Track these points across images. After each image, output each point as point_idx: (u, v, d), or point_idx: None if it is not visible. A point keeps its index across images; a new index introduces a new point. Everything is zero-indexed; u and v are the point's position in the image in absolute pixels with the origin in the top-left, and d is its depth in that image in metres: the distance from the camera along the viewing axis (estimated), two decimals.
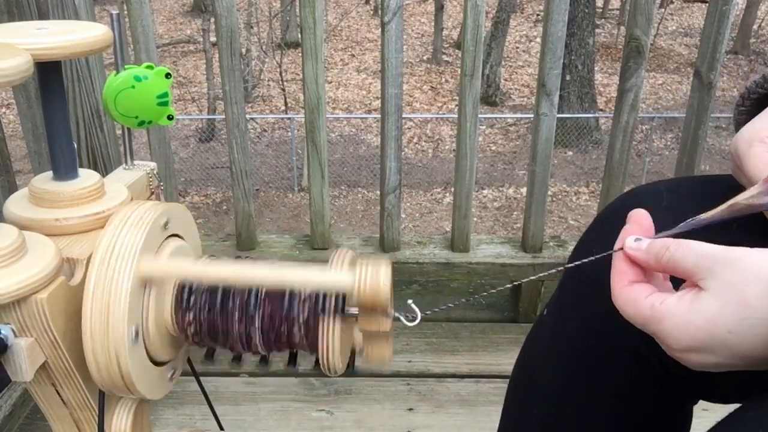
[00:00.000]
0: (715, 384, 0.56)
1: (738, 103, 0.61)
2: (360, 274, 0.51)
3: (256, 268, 0.53)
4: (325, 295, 0.53)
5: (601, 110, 9.44)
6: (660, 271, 0.50)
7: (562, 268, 0.62)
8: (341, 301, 0.53)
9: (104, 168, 1.36)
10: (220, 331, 0.55)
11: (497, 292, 1.67)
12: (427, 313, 0.55)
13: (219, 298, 0.54)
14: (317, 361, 0.55)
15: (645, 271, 0.51)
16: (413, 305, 0.55)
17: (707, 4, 1.36)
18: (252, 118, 9.21)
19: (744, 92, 0.60)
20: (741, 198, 0.50)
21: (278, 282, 0.53)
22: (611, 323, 0.63)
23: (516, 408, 0.75)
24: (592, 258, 0.56)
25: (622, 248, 0.51)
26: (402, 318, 0.54)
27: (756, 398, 0.45)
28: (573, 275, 0.69)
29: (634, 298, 0.49)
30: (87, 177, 0.59)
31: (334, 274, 0.52)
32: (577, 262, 0.59)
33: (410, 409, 1.29)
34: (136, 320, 0.52)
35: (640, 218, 0.52)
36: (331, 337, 0.53)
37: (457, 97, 1.71)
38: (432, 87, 10.72)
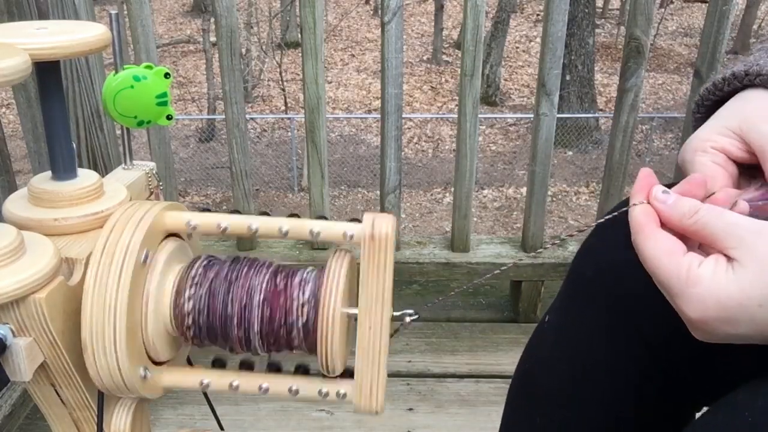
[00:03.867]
0: (718, 391, 0.56)
1: (693, 110, 0.61)
2: (367, 222, 0.52)
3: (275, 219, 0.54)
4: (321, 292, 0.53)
5: (601, 110, 9.43)
6: (680, 232, 0.48)
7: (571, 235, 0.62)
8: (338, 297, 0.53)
9: (104, 168, 1.36)
10: (218, 332, 0.54)
11: (497, 287, 1.67)
12: (426, 306, 0.55)
13: (218, 300, 0.54)
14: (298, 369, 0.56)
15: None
16: (411, 310, 0.55)
17: (707, 4, 1.36)
18: (252, 118, 9.21)
19: (698, 99, 0.60)
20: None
21: (294, 228, 0.54)
22: (614, 328, 0.63)
23: (517, 415, 0.75)
24: (609, 216, 0.54)
25: (647, 202, 0.49)
26: (401, 314, 0.54)
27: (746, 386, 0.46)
28: (575, 282, 0.69)
29: (671, 249, 0.46)
30: (86, 177, 0.59)
31: (344, 225, 0.53)
32: (599, 220, 0.58)
33: (410, 409, 1.29)
34: (134, 320, 0.52)
35: (646, 178, 0.50)
36: (331, 338, 0.53)
37: (457, 97, 1.71)
38: (432, 87, 10.72)
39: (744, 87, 0.55)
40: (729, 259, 0.44)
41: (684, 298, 0.45)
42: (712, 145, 0.53)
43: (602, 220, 0.56)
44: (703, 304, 0.44)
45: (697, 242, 0.48)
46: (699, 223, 0.46)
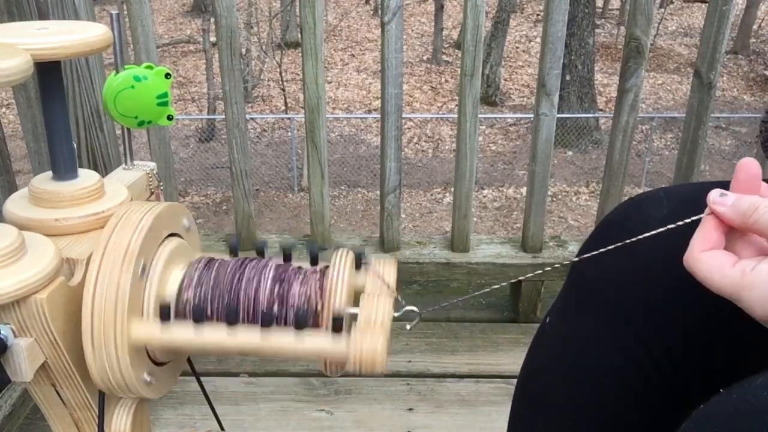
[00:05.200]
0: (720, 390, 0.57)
1: (764, 119, 0.61)
2: (355, 345, 0.50)
3: (249, 335, 0.52)
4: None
5: (601, 110, 9.43)
6: (743, 230, 0.49)
7: (570, 261, 0.62)
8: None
9: (104, 168, 1.36)
10: None
11: (498, 289, 1.67)
12: (429, 310, 0.55)
13: (220, 303, 0.54)
14: None
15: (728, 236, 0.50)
16: (414, 308, 0.55)
17: (707, 4, 1.36)
18: (252, 118, 9.21)
19: (765, 116, 0.60)
20: None
21: (271, 352, 0.53)
22: (615, 330, 0.63)
23: (522, 417, 0.75)
24: (617, 245, 0.55)
25: (709, 213, 0.50)
26: (401, 313, 0.54)
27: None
28: (575, 284, 0.69)
29: (720, 263, 0.48)
30: (87, 177, 0.59)
31: (330, 343, 0.52)
32: (592, 252, 0.57)
33: (410, 409, 1.29)
34: (135, 321, 0.52)
35: (750, 166, 0.51)
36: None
37: (457, 97, 1.71)
38: (432, 87, 10.72)
39: None
40: None
41: (743, 302, 0.47)
42: None
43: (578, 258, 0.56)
44: (761, 305, 0.46)
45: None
46: (759, 222, 0.47)
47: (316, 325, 0.53)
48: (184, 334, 0.52)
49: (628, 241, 0.56)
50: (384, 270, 0.50)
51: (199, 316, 0.53)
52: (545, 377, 0.70)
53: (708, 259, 0.49)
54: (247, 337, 0.52)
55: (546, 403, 0.70)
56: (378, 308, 0.52)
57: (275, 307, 0.54)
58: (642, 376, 0.62)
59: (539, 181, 1.46)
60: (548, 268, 0.63)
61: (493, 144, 9.22)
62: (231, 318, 0.52)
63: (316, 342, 0.52)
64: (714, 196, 0.50)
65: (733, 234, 0.51)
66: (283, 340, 0.52)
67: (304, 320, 0.53)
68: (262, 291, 0.54)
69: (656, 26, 11.88)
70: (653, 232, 0.55)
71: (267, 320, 0.53)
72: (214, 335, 0.52)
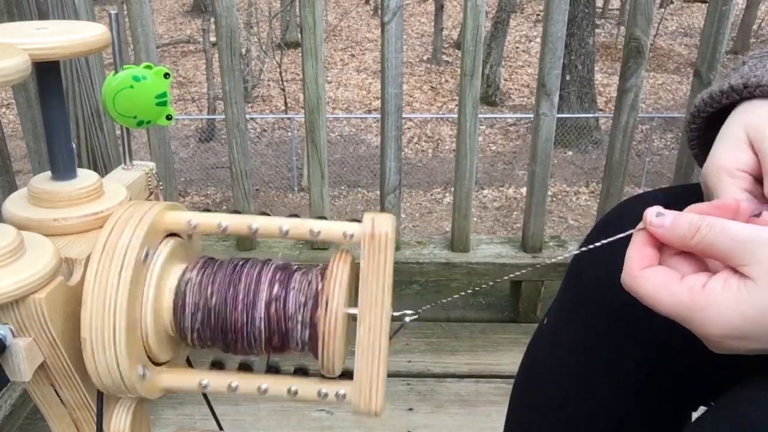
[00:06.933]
0: (717, 391, 0.56)
1: (689, 120, 0.60)
2: (366, 222, 0.52)
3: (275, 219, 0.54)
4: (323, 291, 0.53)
5: (601, 110, 9.44)
6: (686, 250, 0.46)
7: (563, 257, 0.62)
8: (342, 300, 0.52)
9: (104, 168, 1.36)
10: (219, 335, 0.54)
11: (496, 288, 1.67)
12: (426, 307, 0.55)
13: (219, 303, 0.54)
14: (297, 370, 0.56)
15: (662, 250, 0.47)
16: (408, 312, 0.55)
17: (707, 4, 1.36)
18: (252, 118, 9.21)
19: (694, 111, 0.59)
20: None
21: (294, 227, 0.54)
22: (611, 330, 0.63)
23: (519, 414, 0.75)
24: (606, 241, 0.53)
25: (644, 228, 0.47)
26: (400, 312, 0.54)
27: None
28: (573, 282, 0.69)
29: (665, 281, 0.45)
30: (85, 177, 0.59)
31: (344, 224, 0.53)
32: (589, 246, 0.57)
33: (410, 409, 1.29)
34: (134, 320, 0.52)
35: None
36: (333, 339, 0.53)
37: (457, 97, 1.71)
38: (432, 87, 10.72)
39: (742, 99, 0.54)
40: (741, 275, 0.43)
41: (695, 323, 0.44)
42: (738, 167, 0.50)
43: (579, 251, 0.56)
44: (715, 326, 0.43)
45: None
46: (703, 242, 0.44)
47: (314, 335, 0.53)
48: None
49: (603, 241, 0.54)
50: (379, 224, 0.51)
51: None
52: (543, 377, 0.70)
53: (651, 276, 0.45)
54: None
55: (543, 403, 0.70)
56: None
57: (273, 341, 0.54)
58: (638, 373, 0.62)
59: (539, 181, 1.46)
60: (523, 268, 0.63)
61: (493, 144, 9.22)
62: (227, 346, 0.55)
63: (333, 225, 0.53)
64: (650, 216, 0.46)
65: (666, 248, 0.47)
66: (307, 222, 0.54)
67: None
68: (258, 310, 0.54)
69: (656, 26, 11.88)
70: (604, 241, 0.53)
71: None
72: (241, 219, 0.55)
